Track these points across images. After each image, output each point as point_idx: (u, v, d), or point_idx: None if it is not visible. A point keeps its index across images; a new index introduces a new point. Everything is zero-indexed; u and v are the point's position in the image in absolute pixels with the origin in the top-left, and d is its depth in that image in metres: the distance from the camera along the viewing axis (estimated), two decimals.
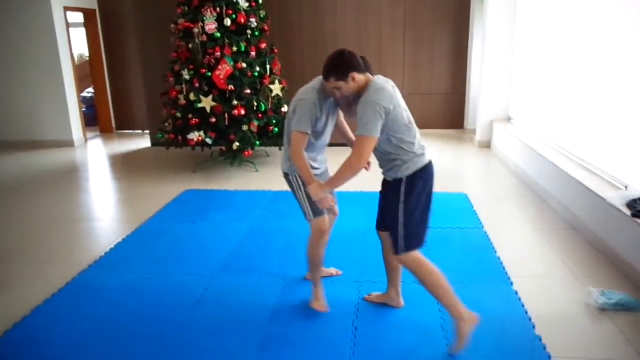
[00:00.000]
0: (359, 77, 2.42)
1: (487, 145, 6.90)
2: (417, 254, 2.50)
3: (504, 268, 3.36)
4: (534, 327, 2.67)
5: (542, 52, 5.50)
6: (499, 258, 3.51)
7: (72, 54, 7.59)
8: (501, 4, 6.43)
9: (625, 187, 3.56)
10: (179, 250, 3.79)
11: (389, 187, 2.53)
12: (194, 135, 5.51)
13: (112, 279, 3.34)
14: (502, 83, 6.72)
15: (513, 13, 6.43)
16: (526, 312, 2.81)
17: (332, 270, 3.34)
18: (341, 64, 2.41)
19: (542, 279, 3.25)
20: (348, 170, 2.43)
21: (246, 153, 5.70)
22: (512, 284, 3.15)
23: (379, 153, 2.51)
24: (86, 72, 8.76)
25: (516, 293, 3.03)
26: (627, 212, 3.22)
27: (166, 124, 5.87)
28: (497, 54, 6.63)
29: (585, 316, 2.79)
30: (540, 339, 2.56)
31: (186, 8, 5.65)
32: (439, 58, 7.83)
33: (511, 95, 6.71)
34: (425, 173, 2.46)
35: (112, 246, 3.88)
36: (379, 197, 2.74)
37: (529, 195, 4.93)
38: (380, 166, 2.59)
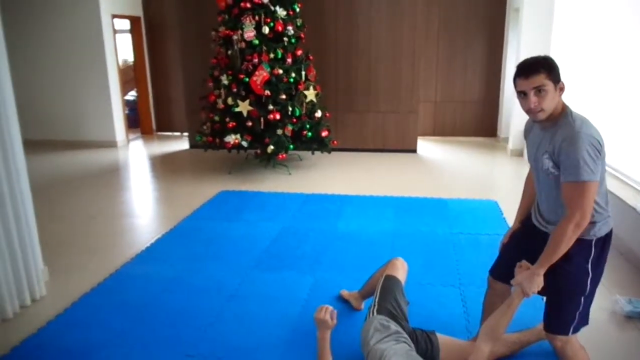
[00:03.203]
0: (562, 95, 1.92)
1: (519, 154, 6.88)
2: (577, 339, 2.10)
3: None
4: None
5: (577, 62, 5.48)
6: None
7: (117, 59, 7.97)
8: (537, 14, 6.42)
9: None
10: (215, 248, 3.98)
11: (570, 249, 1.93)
12: (231, 139, 5.72)
13: (153, 272, 3.55)
14: None
15: (549, 23, 6.41)
16: None
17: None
18: (556, 65, 1.89)
19: None
20: (574, 236, 1.87)
21: (280, 156, 5.88)
22: (543, 298, 3.18)
23: (557, 196, 1.95)
24: (130, 77, 9.16)
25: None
26: None
27: (205, 127, 6.11)
28: None
29: (612, 324, 2.82)
30: None
31: (227, 16, 5.88)
32: (472, 66, 7.86)
33: None
34: (610, 239, 2.03)
35: (153, 241, 4.11)
36: (512, 246, 2.25)
37: None
38: (546, 211, 2.07)
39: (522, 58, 6.30)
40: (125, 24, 8.46)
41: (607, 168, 4.33)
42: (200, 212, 4.85)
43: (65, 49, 7.60)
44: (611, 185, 4.08)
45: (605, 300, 3.04)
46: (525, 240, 2.18)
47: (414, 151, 7.36)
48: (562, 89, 1.89)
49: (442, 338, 2.29)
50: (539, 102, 1.86)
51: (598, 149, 1.83)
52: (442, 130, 8.28)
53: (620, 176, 4.20)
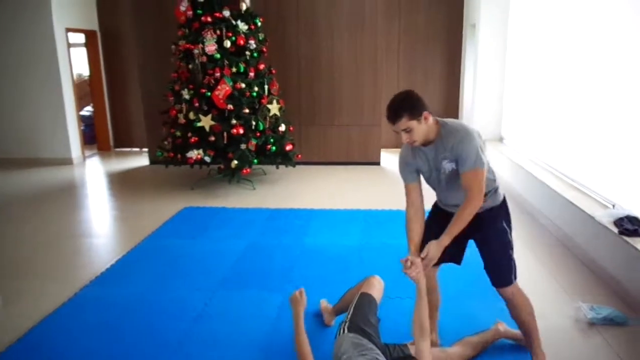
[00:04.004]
0: (430, 118, 2.23)
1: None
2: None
3: None
4: None
5: (533, 75, 5.68)
6: None
7: (72, 74, 7.71)
8: (492, 28, 6.64)
9: (613, 205, 3.68)
10: (179, 266, 3.86)
11: (486, 219, 2.36)
12: (193, 154, 5.61)
13: (114, 294, 3.40)
14: (494, 104, 6.90)
15: (504, 37, 6.64)
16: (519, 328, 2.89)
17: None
18: (415, 100, 2.21)
19: (534, 295, 3.31)
20: (470, 212, 2.24)
21: (244, 171, 5.81)
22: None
23: None
24: (85, 92, 8.88)
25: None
26: (615, 230, 3.34)
27: (166, 143, 5.97)
28: (489, 76, 6.82)
29: (576, 330, 2.89)
30: (530, 356, 2.64)
31: (187, 30, 5.80)
32: (432, 79, 8.04)
33: (503, 116, 6.88)
34: (506, 201, 2.48)
35: (113, 262, 3.95)
36: (436, 228, 2.41)
37: (521, 214, 5.04)
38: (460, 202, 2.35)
39: (479, 71, 6.47)
40: (80, 38, 8.22)
41: (566, 179, 4.49)
42: (163, 229, 4.71)
43: (17, 64, 7.29)
44: (570, 194, 4.22)
45: (568, 308, 3.12)
46: (444, 221, 2.36)
47: (378, 164, 7.42)
48: (426, 118, 2.21)
49: (414, 348, 2.28)
50: (410, 137, 2.23)
51: (478, 140, 2.24)
52: None
53: (578, 187, 4.35)
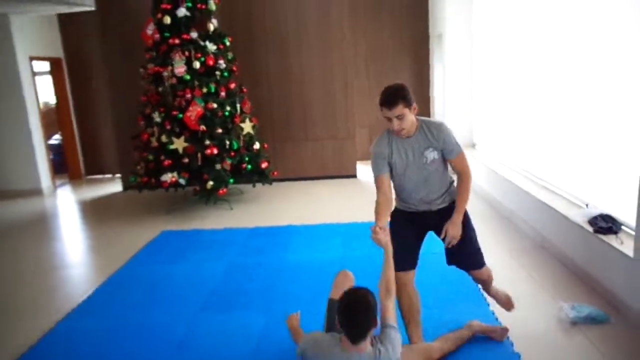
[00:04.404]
0: (415, 112, 2.50)
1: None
2: None
3: (480, 290, 3.46)
4: (512, 345, 2.77)
5: (501, 81, 5.81)
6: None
7: (38, 103, 7.56)
8: (458, 38, 6.78)
9: (586, 205, 3.76)
10: (159, 293, 3.77)
11: (447, 211, 2.61)
12: (168, 177, 5.53)
13: (92, 327, 3.29)
14: (465, 112, 7.01)
15: (470, 45, 6.78)
16: None
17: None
18: (408, 91, 2.46)
19: (517, 297, 3.34)
20: (469, 187, 2.59)
21: (220, 192, 5.74)
22: (488, 305, 3.26)
23: (440, 180, 2.61)
24: (52, 120, 8.68)
25: (493, 313, 3.13)
26: (590, 229, 3.40)
27: (138, 167, 5.87)
28: (458, 84, 6.94)
29: (559, 331, 2.91)
30: (519, 357, 2.65)
31: (155, 53, 5.76)
32: None
33: (474, 122, 7.00)
34: None
35: (90, 293, 3.83)
36: (410, 235, 2.65)
37: (497, 218, 5.11)
38: (433, 198, 2.62)
39: (448, 80, 6.58)
40: (45, 66, 8.07)
41: (539, 181, 4.57)
42: (140, 256, 4.61)
43: None
44: (543, 196, 4.29)
45: (549, 308, 3.15)
46: (412, 226, 2.68)
47: (354, 176, 7.44)
48: (415, 109, 2.47)
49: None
50: (400, 124, 2.44)
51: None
52: None
53: (552, 187, 4.43)
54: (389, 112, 2.41)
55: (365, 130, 8.33)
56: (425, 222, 2.67)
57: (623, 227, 3.30)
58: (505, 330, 2.84)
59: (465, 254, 2.69)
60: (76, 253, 5.03)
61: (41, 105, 9.53)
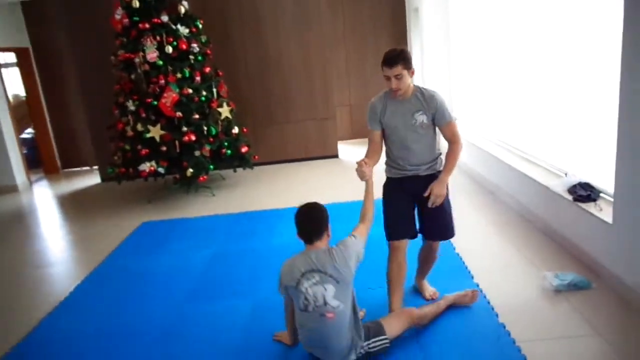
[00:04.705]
0: (413, 76, 2.64)
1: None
2: None
3: (464, 263, 3.50)
4: (497, 316, 2.79)
5: (478, 54, 5.78)
6: (458, 254, 3.64)
7: (7, 96, 7.32)
8: (435, 12, 6.70)
9: (565, 174, 3.78)
10: (143, 285, 3.72)
11: (433, 180, 2.73)
12: (146, 167, 5.42)
13: (76, 323, 3.23)
14: (444, 86, 6.98)
15: (447, 18, 6.72)
16: (489, 303, 2.93)
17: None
18: (409, 55, 2.61)
19: (501, 269, 3.41)
20: (459, 153, 2.73)
21: (201, 179, 5.65)
22: (472, 277, 3.28)
23: (429, 146, 2.73)
24: (24, 113, 8.44)
25: (478, 286, 3.16)
26: (569, 197, 3.43)
27: (116, 158, 5.75)
28: (436, 58, 6.89)
29: (543, 299, 2.95)
30: (504, 327, 2.68)
31: (125, 39, 5.58)
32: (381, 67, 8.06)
33: (453, 97, 6.98)
34: None
35: (72, 289, 3.76)
36: (402, 203, 2.81)
37: (479, 192, 5.14)
38: (421, 162, 2.74)
39: (426, 54, 6.51)
40: (11, 57, 7.80)
41: (519, 153, 4.58)
42: (122, 248, 4.53)
43: None
44: (524, 167, 4.32)
45: (533, 278, 3.19)
46: (403, 194, 2.81)
47: (336, 156, 7.41)
48: (413, 72, 2.63)
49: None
50: (398, 84, 2.60)
51: None
52: (360, 132, 8.40)
53: (531, 158, 4.46)
54: (389, 70, 2.57)
55: (346, 108, 8.27)
56: (414, 187, 2.77)
57: (602, 194, 3.33)
58: (476, 292, 2.93)
59: (437, 224, 2.83)
60: (55, 250, 4.92)
61: (11, 99, 9.30)
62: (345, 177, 6.27)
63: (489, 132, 5.57)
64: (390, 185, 2.85)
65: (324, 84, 7.17)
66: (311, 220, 2.48)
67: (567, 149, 3.86)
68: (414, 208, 2.84)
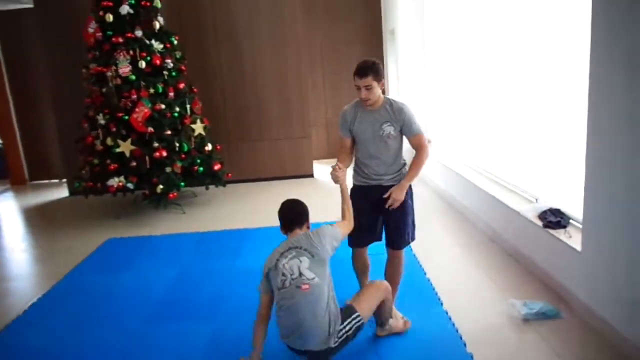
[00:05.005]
0: (382, 88, 2.75)
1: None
2: None
3: (434, 289, 3.43)
4: (465, 345, 2.72)
5: (453, 76, 5.82)
6: (429, 280, 3.58)
7: None
8: (410, 33, 6.77)
9: (536, 200, 3.78)
10: (100, 306, 3.55)
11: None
12: (114, 182, 5.27)
13: (26, 344, 3.07)
14: (419, 107, 7.02)
15: (422, 40, 6.78)
16: (457, 331, 2.86)
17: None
18: (380, 67, 2.71)
19: (470, 296, 3.35)
20: (423, 163, 2.84)
21: (171, 195, 5.52)
22: (442, 304, 3.21)
23: (394, 157, 2.84)
24: None
25: (446, 313, 3.09)
26: (539, 223, 3.41)
27: (83, 172, 5.59)
28: (412, 80, 6.95)
29: (511, 328, 2.89)
30: (471, 357, 2.61)
31: (97, 53, 5.48)
32: None
33: (428, 119, 7.02)
34: None
35: (26, 308, 3.58)
36: (365, 213, 2.85)
37: (452, 214, 5.12)
38: (385, 172, 2.85)
39: (402, 76, 6.53)
40: None
41: (491, 176, 4.58)
42: (83, 266, 4.36)
43: None
44: (495, 191, 4.30)
45: (501, 305, 3.13)
46: (367, 203, 2.89)
47: (311, 176, 7.35)
48: (382, 84, 2.75)
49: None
50: (367, 94, 2.70)
51: None
52: (336, 152, 8.36)
53: (503, 183, 4.45)
54: (360, 80, 2.67)
55: (322, 127, 8.25)
56: (377, 197, 2.84)
57: (572, 221, 3.32)
58: (408, 323, 2.92)
59: (392, 228, 2.91)
60: (15, 264, 4.72)
61: None
62: (321, 196, 6.19)
63: (462, 154, 5.58)
64: (355, 193, 2.94)
65: (299, 102, 7.14)
66: (294, 210, 2.63)
67: (538, 174, 3.86)
68: (377, 217, 2.92)
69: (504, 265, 3.78)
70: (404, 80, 6.97)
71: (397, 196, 2.77)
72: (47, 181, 8.13)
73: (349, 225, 2.71)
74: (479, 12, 4.87)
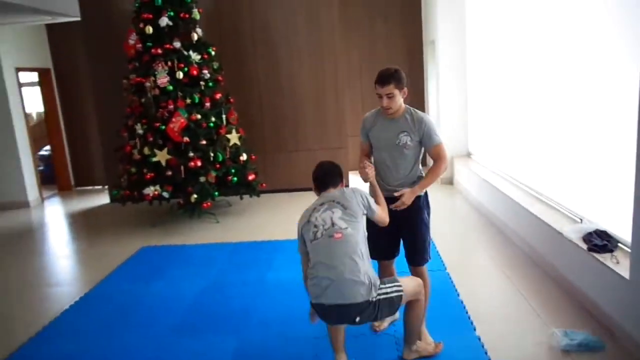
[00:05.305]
0: (404, 97, 2.71)
1: (449, 182, 6.92)
2: None
3: (467, 312, 3.25)
4: None
5: (495, 87, 5.60)
6: (462, 302, 3.40)
7: (25, 114, 7.42)
8: (451, 43, 6.60)
9: (581, 220, 3.54)
10: (130, 315, 3.58)
11: (410, 206, 2.74)
12: (150, 190, 5.35)
13: (55, 351, 3.11)
14: (460, 119, 6.82)
15: (463, 51, 6.60)
16: (489, 359, 2.69)
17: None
18: (403, 75, 2.67)
19: (506, 321, 3.16)
20: (439, 173, 2.79)
21: (205, 205, 5.55)
22: (474, 329, 3.04)
23: (410, 167, 2.77)
24: (45, 130, 8.56)
25: (479, 339, 2.92)
26: (584, 246, 3.19)
27: (122, 180, 5.71)
28: (452, 91, 6.75)
29: (550, 359, 2.69)
30: None
31: (137, 64, 5.60)
32: None
33: (470, 131, 6.80)
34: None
35: (58, 314, 3.64)
36: (377, 228, 2.76)
37: (491, 232, 4.89)
38: (399, 184, 2.77)
39: (442, 87, 6.37)
40: (34, 77, 7.96)
41: (533, 193, 4.35)
42: (118, 273, 4.43)
43: None
44: (537, 209, 4.07)
45: (542, 334, 2.92)
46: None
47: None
48: (405, 93, 2.71)
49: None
50: (389, 103, 2.67)
51: None
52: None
53: (546, 200, 4.21)
54: (381, 89, 2.64)
55: (358, 139, 8.14)
56: (392, 213, 2.73)
57: (620, 244, 3.08)
58: (440, 346, 2.81)
59: (409, 243, 2.85)
60: (56, 268, 4.86)
61: (35, 116, 9.49)
62: None
63: (503, 168, 5.34)
64: None
65: (336, 113, 7.07)
66: (330, 171, 2.64)
67: (584, 191, 3.61)
68: (393, 232, 2.82)
69: (545, 289, 3.55)
70: (444, 91, 6.79)
71: (405, 199, 2.70)
72: (90, 187, 8.38)
73: (384, 212, 2.63)
74: (523, 21, 4.66)
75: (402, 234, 2.86)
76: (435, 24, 6.83)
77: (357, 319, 2.35)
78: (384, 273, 2.99)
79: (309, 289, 2.43)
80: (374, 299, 2.33)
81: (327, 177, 2.62)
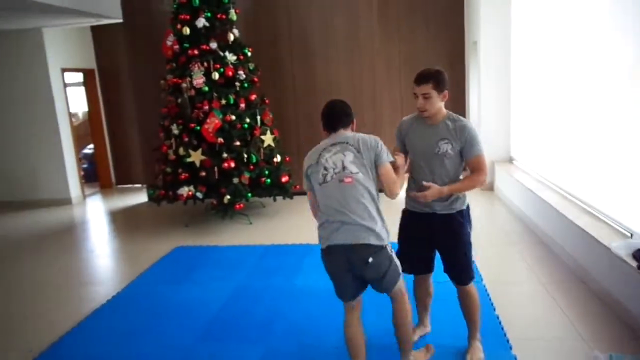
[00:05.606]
0: (444, 100, 2.52)
1: (490, 187, 6.66)
2: None
3: (502, 329, 3.07)
4: None
5: (542, 92, 5.33)
6: (497, 317, 3.22)
7: (69, 113, 7.65)
8: (494, 45, 6.35)
9: (631, 235, 3.28)
10: (158, 316, 3.58)
11: (449, 221, 2.59)
12: (184, 191, 5.39)
13: (79, 355, 3.13)
14: (502, 124, 6.55)
15: (507, 52, 6.33)
16: None
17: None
18: (444, 77, 2.49)
19: (545, 341, 2.96)
20: (475, 185, 2.55)
21: (237, 206, 5.54)
22: (511, 347, 2.86)
23: (448, 175, 2.56)
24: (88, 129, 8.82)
25: (515, 359, 2.74)
26: (633, 263, 2.95)
27: (158, 180, 5.77)
28: (494, 94, 6.49)
29: None
30: None
31: (174, 65, 5.65)
32: None
33: (512, 136, 6.52)
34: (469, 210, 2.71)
35: (89, 313, 3.69)
36: (411, 241, 2.72)
37: (532, 243, 4.65)
38: (438, 200, 2.56)
39: (484, 91, 6.13)
40: (79, 77, 8.20)
41: (580, 204, 4.09)
42: (149, 273, 4.46)
43: (14, 106, 7.25)
44: (583, 221, 3.82)
45: (582, 357, 2.72)
46: (417, 231, 2.71)
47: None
48: (445, 97, 2.50)
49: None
50: (424, 104, 2.48)
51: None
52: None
53: (593, 212, 3.94)
54: (417, 88, 2.48)
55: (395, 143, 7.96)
56: (429, 228, 2.64)
57: None
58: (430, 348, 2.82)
59: (449, 263, 2.68)
60: (89, 268, 4.94)
61: (81, 116, 9.80)
62: (390, 210, 5.93)
63: (547, 177, 5.07)
64: (405, 219, 2.78)
65: (372, 115, 6.94)
66: (341, 110, 2.49)
67: (635, 204, 3.35)
68: (428, 249, 2.73)
69: (591, 308, 3.31)
70: (486, 94, 6.53)
71: (430, 193, 2.49)
72: (130, 186, 8.56)
73: (398, 177, 2.46)
74: (572, 22, 4.40)
75: (441, 250, 2.70)
76: (478, 24, 6.58)
77: (370, 259, 2.29)
78: (420, 288, 2.89)
79: (319, 232, 2.39)
80: (388, 248, 2.35)
81: (337, 117, 2.46)
